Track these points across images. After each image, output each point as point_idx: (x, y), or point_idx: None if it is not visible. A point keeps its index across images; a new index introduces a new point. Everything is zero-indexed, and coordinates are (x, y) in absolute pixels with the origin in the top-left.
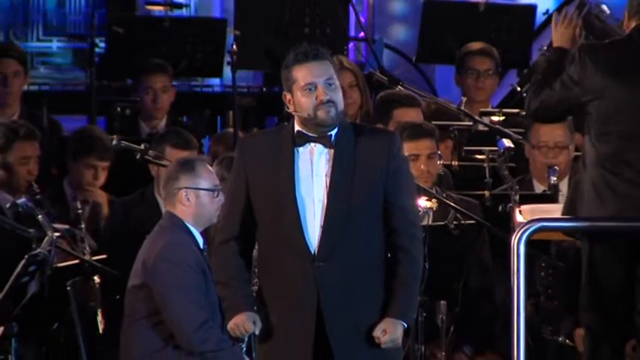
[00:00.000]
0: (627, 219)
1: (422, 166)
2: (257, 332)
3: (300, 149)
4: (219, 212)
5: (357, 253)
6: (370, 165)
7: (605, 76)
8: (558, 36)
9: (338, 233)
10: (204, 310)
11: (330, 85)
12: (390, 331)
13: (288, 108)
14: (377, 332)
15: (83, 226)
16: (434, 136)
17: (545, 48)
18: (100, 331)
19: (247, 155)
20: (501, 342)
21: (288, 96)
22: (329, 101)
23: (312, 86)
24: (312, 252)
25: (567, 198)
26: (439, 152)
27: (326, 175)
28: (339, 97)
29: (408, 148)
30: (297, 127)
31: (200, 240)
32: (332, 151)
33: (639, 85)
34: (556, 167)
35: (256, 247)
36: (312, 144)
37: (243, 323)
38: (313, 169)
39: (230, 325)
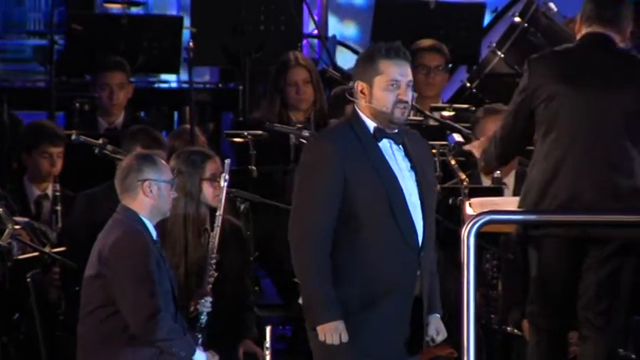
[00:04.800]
0: (573, 211)
1: None
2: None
3: (380, 144)
4: (307, 201)
5: (433, 243)
6: (423, 161)
7: (554, 82)
8: (480, 145)
9: (431, 225)
10: (156, 300)
11: (408, 86)
12: (441, 331)
13: (354, 97)
14: (432, 332)
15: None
16: None
17: (494, 45)
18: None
19: (342, 151)
20: (451, 332)
21: (362, 85)
22: (407, 102)
23: (397, 84)
24: (419, 243)
25: (521, 197)
26: None
27: (409, 170)
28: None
29: None
30: (369, 120)
31: (153, 232)
32: (402, 146)
33: (587, 90)
34: None
35: None
36: (386, 140)
37: (342, 332)
38: (399, 164)
39: (330, 328)
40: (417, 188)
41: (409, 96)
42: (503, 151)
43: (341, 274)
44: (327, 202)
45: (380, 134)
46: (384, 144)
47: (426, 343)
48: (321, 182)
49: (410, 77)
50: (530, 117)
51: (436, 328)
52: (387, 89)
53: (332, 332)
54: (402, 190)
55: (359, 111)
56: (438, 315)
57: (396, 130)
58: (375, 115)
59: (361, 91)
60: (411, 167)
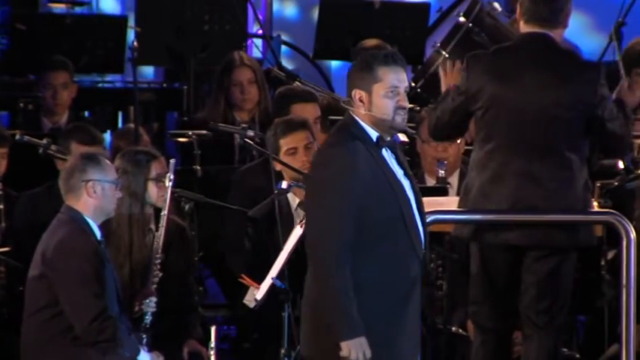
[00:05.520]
0: (516, 211)
1: (303, 158)
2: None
3: (382, 152)
4: (331, 217)
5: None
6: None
7: (491, 84)
8: (448, 81)
9: (426, 233)
10: (101, 300)
11: (405, 92)
12: None
13: (352, 105)
14: None
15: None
16: (307, 127)
17: (439, 45)
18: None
19: (358, 161)
20: None
21: (360, 94)
22: (406, 108)
23: (396, 90)
24: (423, 251)
25: (460, 198)
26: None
27: (404, 177)
28: None
29: (284, 143)
30: (370, 129)
31: (98, 233)
32: (393, 154)
33: (525, 91)
34: (444, 161)
35: None
36: (384, 148)
37: (365, 349)
38: (396, 172)
39: (355, 344)
40: (414, 196)
41: (407, 102)
42: (434, 136)
43: (360, 286)
44: (350, 216)
45: (383, 142)
46: (384, 152)
47: None
48: (344, 196)
49: (406, 83)
50: (468, 117)
51: None
52: (387, 96)
53: (357, 349)
54: (409, 198)
55: (358, 119)
56: None
57: (388, 138)
58: (376, 124)
59: (359, 100)
60: (405, 174)
